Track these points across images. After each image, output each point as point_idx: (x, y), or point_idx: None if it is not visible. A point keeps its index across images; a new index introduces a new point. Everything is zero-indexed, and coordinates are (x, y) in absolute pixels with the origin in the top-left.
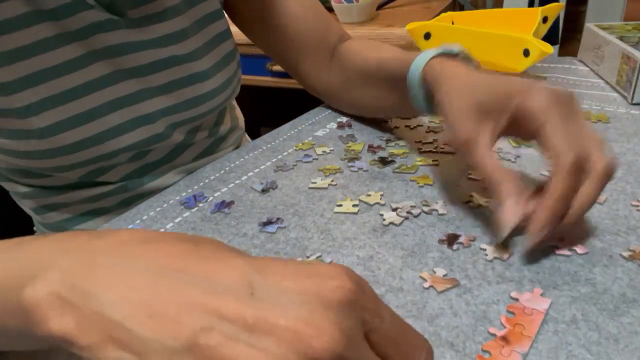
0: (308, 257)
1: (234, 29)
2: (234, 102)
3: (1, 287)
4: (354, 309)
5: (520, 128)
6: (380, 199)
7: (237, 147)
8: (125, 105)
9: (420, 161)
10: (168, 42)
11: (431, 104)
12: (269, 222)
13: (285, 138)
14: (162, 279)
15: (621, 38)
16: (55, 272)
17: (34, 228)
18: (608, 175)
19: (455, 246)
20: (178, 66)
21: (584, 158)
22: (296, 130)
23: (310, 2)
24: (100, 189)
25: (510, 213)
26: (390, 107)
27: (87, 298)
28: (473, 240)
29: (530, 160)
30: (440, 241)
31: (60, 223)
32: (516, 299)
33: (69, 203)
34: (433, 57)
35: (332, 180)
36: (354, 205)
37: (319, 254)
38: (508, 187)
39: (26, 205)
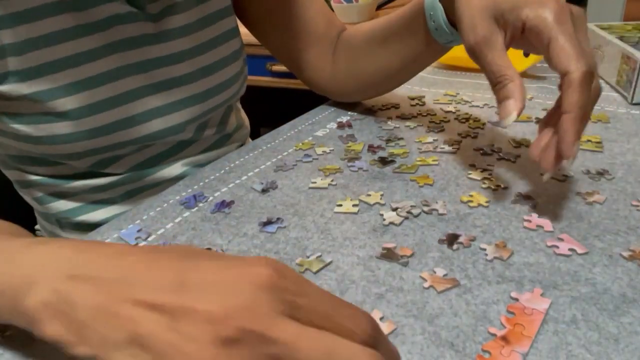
0: (308, 257)
1: (241, 29)
2: (239, 105)
3: (3, 293)
4: (271, 291)
5: (529, 40)
6: (380, 198)
7: (242, 145)
8: (140, 97)
9: (420, 161)
10: (179, 35)
11: (453, 25)
12: (269, 222)
13: (285, 138)
14: (114, 287)
15: (621, 38)
16: (47, 283)
17: (36, 226)
18: (597, 100)
19: (455, 246)
20: (188, 60)
21: (593, 72)
22: (296, 130)
23: None
24: (107, 178)
25: (513, 109)
26: (407, 59)
27: (69, 306)
28: (473, 240)
29: (530, 160)
30: (440, 241)
31: (64, 213)
32: (516, 299)
33: (76, 192)
34: None
35: (332, 180)
36: (354, 205)
37: (319, 253)
38: (515, 87)
39: (30, 195)
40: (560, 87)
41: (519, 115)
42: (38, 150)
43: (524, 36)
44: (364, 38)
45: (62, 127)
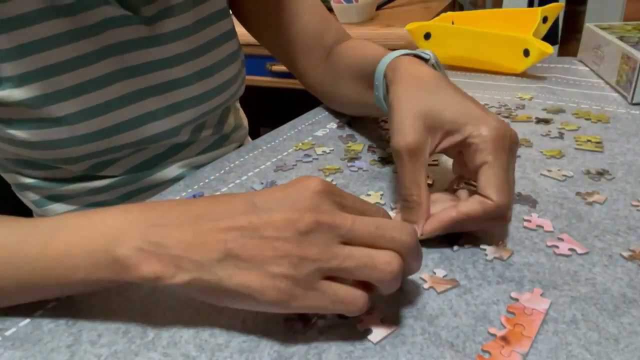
0: None
1: (239, 29)
2: (238, 105)
3: (91, 251)
4: (325, 195)
5: (459, 154)
6: (381, 198)
7: (240, 146)
8: (135, 101)
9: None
10: (174, 38)
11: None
12: None
13: (285, 138)
14: (198, 222)
15: (621, 38)
16: (130, 240)
17: None
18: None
19: (455, 247)
20: (184, 64)
21: (508, 209)
22: (296, 130)
23: (311, 2)
24: (103, 181)
25: None
26: (370, 107)
27: (159, 247)
28: (473, 241)
29: (530, 160)
30: (441, 241)
31: None
32: (516, 299)
33: (73, 195)
34: (400, 56)
35: (332, 180)
36: None
37: None
38: (416, 217)
39: (28, 198)
40: (474, 193)
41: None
42: (34, 155)
43: (456, 147)
44: (344, 67)
45: (57, 133)
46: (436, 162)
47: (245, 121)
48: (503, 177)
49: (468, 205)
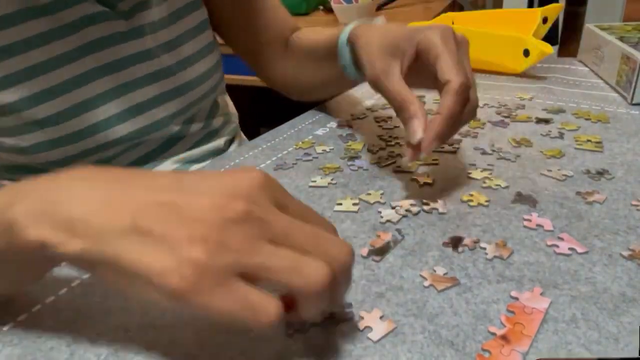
0: None
1: None
2: (227, 99)
3: None
4: (264, 189)
5: (421, 63)
6: (381, 197)
7: (232, 139)
8: (119, 95)
9: (420, 161)
10: (152, 30)
11: (357, 65)
12: None
13: (285, 137)
14: (113, 186)
15: (621, 38)
16: (29, 196)
17: None
18: (474, 114)
19: (460, 249)
20: (164, 55)
21: (469, 85)
22: (296, 129)
23: None
24: None
25: (418, 127)
26: (334, 82)
27: (56, 206)
28: (477, 242)
29: (530, 160)
30: (445, 244)
31: None
32: (516, 298)
33: None
34: (360, 24)
35: (332, 179)
36: (354, 204)
37: None
38: (416, 108)
39: None
40: (440, 95)
41: (422, 132)
42: (26, 159)
43: (418, 59)
44: (302, 50)
45: (43, 135)
46: (437, 162)
47: (234, 116)
48: (455, 60)
49: (442, 101)
